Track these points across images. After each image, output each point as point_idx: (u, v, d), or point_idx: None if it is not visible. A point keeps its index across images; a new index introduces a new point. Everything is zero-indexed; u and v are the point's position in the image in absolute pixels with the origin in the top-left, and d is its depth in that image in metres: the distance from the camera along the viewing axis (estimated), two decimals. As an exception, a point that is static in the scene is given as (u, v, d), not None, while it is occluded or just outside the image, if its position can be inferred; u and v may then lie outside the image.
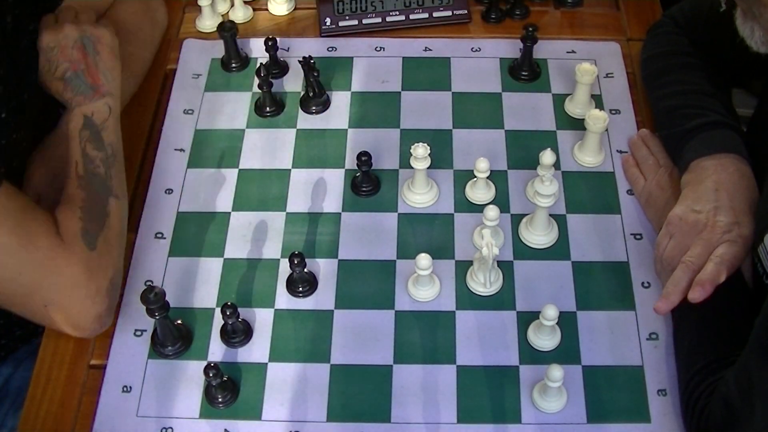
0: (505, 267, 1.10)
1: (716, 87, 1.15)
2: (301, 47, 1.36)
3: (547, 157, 1.08)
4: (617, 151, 1.22)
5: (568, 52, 1.35)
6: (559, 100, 1.28)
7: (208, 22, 1.40)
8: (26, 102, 1.10)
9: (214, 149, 1.24)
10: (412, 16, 1.38)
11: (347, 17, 1.38)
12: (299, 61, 1.24)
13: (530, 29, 1.25)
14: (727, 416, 0.87)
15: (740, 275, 1.00)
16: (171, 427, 0.98)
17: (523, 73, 1.29)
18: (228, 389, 0.99)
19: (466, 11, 1.39)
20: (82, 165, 1.04)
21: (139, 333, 1.06)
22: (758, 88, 1.17)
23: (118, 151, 1.09)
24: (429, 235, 1.14)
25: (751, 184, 1.03)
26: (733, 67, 1.17)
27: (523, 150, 1.22)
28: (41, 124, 1.17)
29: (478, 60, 1.34)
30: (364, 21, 1.38)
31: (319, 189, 1.19)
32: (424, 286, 1.07)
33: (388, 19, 1.38)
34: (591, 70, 1.21)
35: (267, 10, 1.44)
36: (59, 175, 1.09)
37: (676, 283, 0.98)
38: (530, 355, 1.03)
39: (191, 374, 1.02)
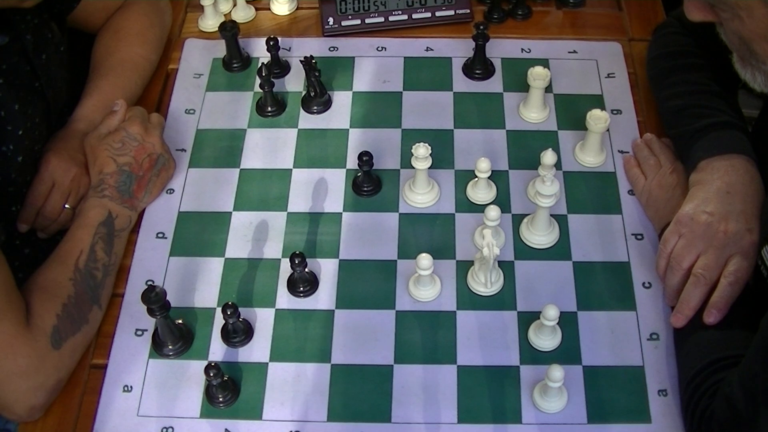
0: (506, 267, 1.10)
1: (723, 87, 1.14)
2: (303, 47, 1.36)
3: (548, 157, 1.08)
4: (618, 151, 1.22)
5: (569, 52, 1.35)
6: (561, 100, 1.28)
7: (210, 22, 1.40)
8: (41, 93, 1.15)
9: (215, 149, 1.24)
10: (414, 16, 1.38)
11: (350, 17, 1.38)
12: (300, 61, 1.24)
13: (481, 27, 1.26)
14: (730, 417, 0.87)
15: None
16: (172, 427, 0.99)
17: (477, 71, 1.31)
18: (228, 389, 0.99)
19: (468, 11, 1.38)
20: (85, 260, 1.04)
21: (139, 333, 1.06)
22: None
23: (116, 264, 1.09)
24: (430, 235, 1.14)
25: (760, 188, 1.03)
26: None
27: (524, 150, 1.22)
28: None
29: (479, 60, 1.34)
30: (367, 21, 1.38)
31: (321, 189, 1.19)
32: (424, 286, 1.07)
33: (391, 18, 1.38)
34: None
35: (269, 9, 1.44)
36: (73, 167, 1.14)
37: (690, 299, 0.99)
38: (531, 355, 1.03)
39: (192, 374, 1.02)
